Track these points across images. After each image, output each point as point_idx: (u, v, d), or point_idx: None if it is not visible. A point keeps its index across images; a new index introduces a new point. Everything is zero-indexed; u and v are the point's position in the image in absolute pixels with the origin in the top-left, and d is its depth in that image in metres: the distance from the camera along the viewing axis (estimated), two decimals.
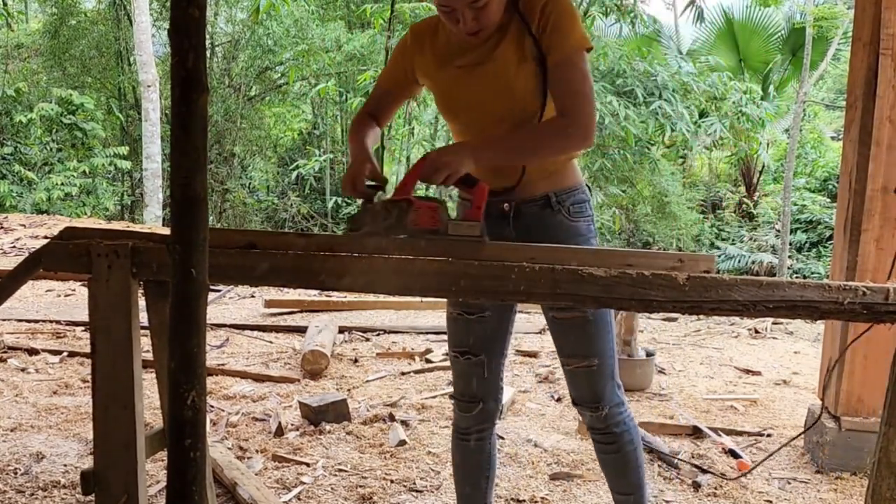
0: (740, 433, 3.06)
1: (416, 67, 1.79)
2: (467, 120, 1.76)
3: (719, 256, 12.41)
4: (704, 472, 2.64)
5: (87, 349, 1.87)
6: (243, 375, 3.72)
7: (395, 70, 1.82)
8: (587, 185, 1.82)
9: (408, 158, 10.90)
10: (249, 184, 14.93)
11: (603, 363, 1.75)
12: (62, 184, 11.63)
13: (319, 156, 12.53)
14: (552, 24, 1.62)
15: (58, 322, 4.66)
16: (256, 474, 2.54)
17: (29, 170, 11.90)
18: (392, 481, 2.53)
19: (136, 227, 8.73)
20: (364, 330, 4.72)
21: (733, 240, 13.67)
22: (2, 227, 8.72)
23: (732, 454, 2.79)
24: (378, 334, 4.66)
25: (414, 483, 2.52)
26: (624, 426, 1.81)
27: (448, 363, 3.95)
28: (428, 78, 1.78)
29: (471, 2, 1.57)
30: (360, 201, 1.60)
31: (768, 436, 3.05)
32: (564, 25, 1.62)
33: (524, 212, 1.75)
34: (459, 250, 1.45)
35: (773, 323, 5.20)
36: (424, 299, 5.10)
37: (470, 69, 1.69)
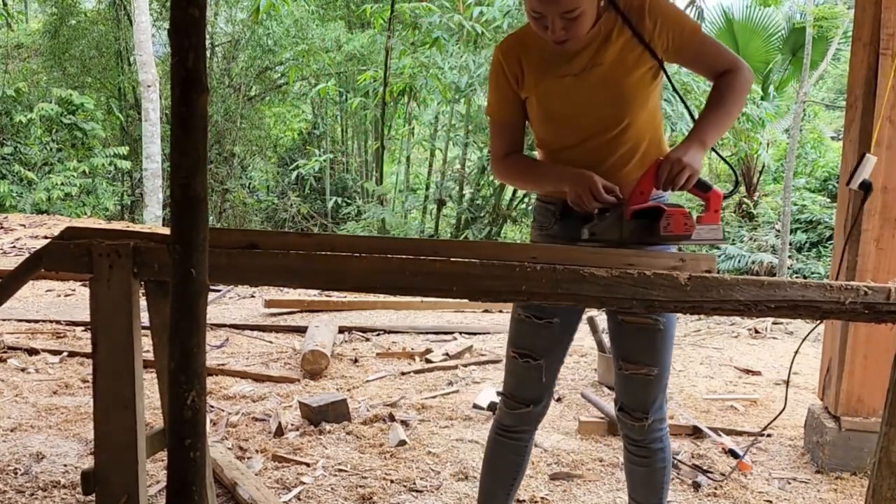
0: (740, 433, 3.06)
1: (520, 86, 1.76)
2: (573, 127, 1.74)
3: (719, 256, 12.41)
4: (704, 472, 2.64)
5: (88, 349, 1.87)
6: (243, 375, 3.72)
7: (505, 99, 1.79)
8: None
9: (407, 158, 10.91)
10: (249, 184, 14.94)
11: (661, 374, 1.75)
12: (62, 184, 11.63)
13: (319, 156, 12.53)
14: (665, 18, 1.66)
15: (58, 322, 4.66)
16: (256, 474, 2.54)
17: (29, 170, 11.90)
18: (392, 481, 2.53)
19: (137, 227, 8.73)
20: (364, 330, 4.72)
21: (733, 240, 13.66)
22: (2, 227, 8.72)
23: (732, 454, 2.79)
24: (378, 334, 4.66)
25: (414, 483, 2.52)
26: (661, 443, 1.81)
27: (448, 363, 3.98)
28: (530, 92, 1.75)
29: (564, 12, 1.56)
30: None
31: (768, 436, 3.05)
32: (677, 15, 1.69)
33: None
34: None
35: (773, 323, 5.20)
36: (424, 299, 5.10)
37: (579, 76, 1.68)
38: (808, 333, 2.19)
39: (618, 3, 1.66)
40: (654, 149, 1.73)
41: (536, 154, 1.88)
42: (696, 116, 1.70)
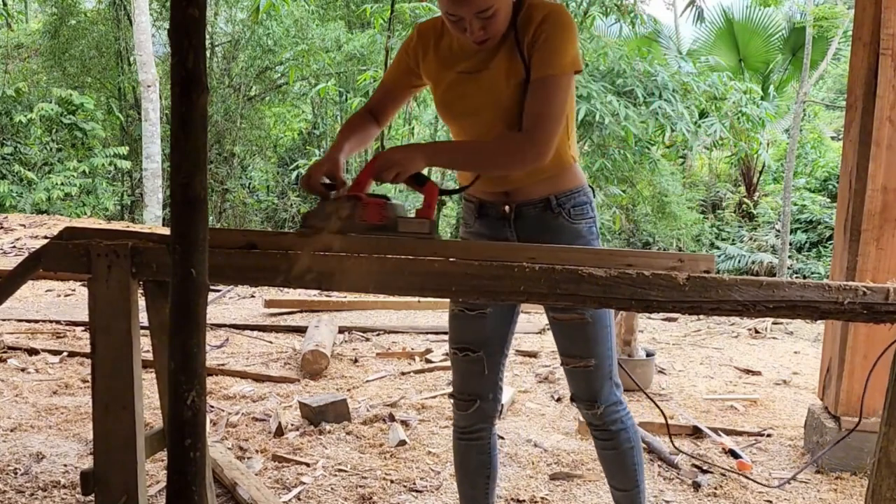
0: (740, 433, 3.06)
1: (420, 66, 1.79)
2: (465, 125, 1.77)
3: (719, 256, 12.41)
4: (704, 472, 2.64)
5: (87, 349, 1.87)
6: (243, 375, 3.72)
7: (399, 68, 1.82)
8: (590, 187, 1.83)
9: None
10: (249, 184, 14.94)
11: (600, 364, 1.77)
12: (62, 184, 11.63)
13: (319, 156, 12.51)
14: (544, 40, 1.62)
15: (58, 322, 4.66)
16: (256, 474, 2.54)
17: (29, 170, 11.90)
18: (392, 481, 2.53)
19: (136, 227, 8.73)
20: (364, 330, 4.72)
21: (733, 240, 13.67)
22: (2, 227, 8.72)
23: (732, 454, 2.79)
24: (378, 334, 4.66)
25: (414, 483, 2.52)
26: (621, 424, 1.83)
27: (447, 363, 3.97)
28: (430, 79, 1.79)
29: (479, 12, 1.57)
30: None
31: (768, 436, 3.05)
32: (555, 44, 1.61)
33: (524, 214, 1.76)
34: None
35: (773, 323, 5.20)
36: (424, 299, 5.10)
37: (468, 75, 1.71)
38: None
39: (521, 13, 1.66)
40: (552, 158, 1.69)
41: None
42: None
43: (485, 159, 1.67)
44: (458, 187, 1.84)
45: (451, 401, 1.95)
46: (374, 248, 1.45)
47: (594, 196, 1.85)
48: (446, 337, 4.57)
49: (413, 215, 1.58)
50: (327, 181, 1.63)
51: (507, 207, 1.76)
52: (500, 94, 1.67)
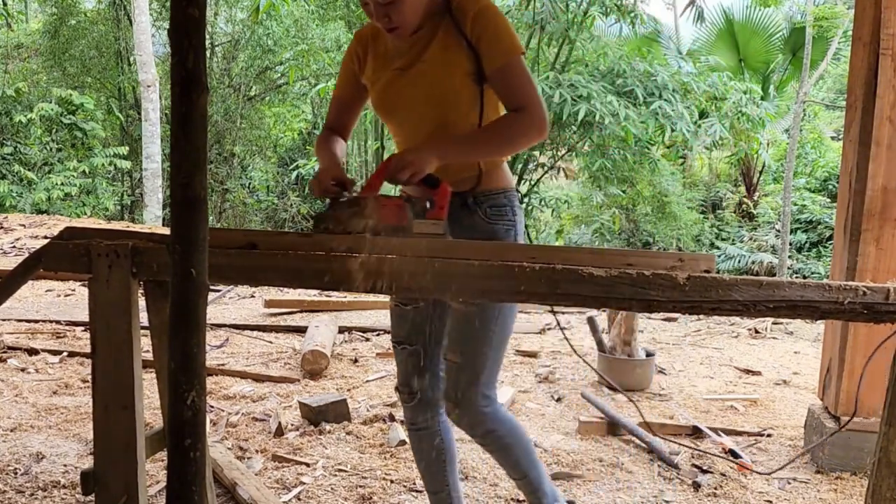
0: (740, 433, 3.06)
1: (362, 71, 1.82)
2: (400, 121, 1.79)
3: (719, 256, 12.41)
4: (704, 472, 2.64)
5: (87, 349, 1.87)
6: (243, 375, 3.72)
7: (346, 78, 1.85)
8: (516, 191, 1.84)
9: None
10: (249, 184, 14.94)
11: (466, 363, 1.78)
12: (62, 184, 11.63)
13: None
14: (486, 33, 1.66)
15: (58, 322, 4.66)
16: (256, 474, 2.54)
17: (29, 170, 11.90)
18: (392, 481, 2.53)
19: (136, 227, 8.73)
20: (364, 330, 4.72)
21: (733, 240, 13.66)
22: (2, 227, 8.72)
23: (732, 454, 2.79)
24: (378, 334, 4.66)
25: (414, 483, 2.52)
26: (492, 424, 1.83)
27: None
28: (369, 81, 1.81)
29: None
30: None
31: (768, 436, 3.05)
32: (498, 33, 1.66)
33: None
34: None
35: (773, 323, 5.21)
36: None
37: (402, 72, 1.73)
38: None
39: (452, 3, 1.69)
40: None
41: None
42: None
43: (496, 144, 1.69)
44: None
45: (396, 395, 1.98)
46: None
47: (522, 202, 1.86)
48: None
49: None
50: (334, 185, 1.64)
51: (427, 204, 1.78)
52: (438, 86, 1.69)
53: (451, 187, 1.70)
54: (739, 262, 12.59)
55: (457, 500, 2.02)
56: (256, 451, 2.76)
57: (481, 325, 1.75)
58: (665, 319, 5.51)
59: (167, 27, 0.83)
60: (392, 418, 3.09)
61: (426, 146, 1.66)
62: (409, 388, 1.91)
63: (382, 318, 5.06)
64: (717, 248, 13.27)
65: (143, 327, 1.54)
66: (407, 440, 2.61)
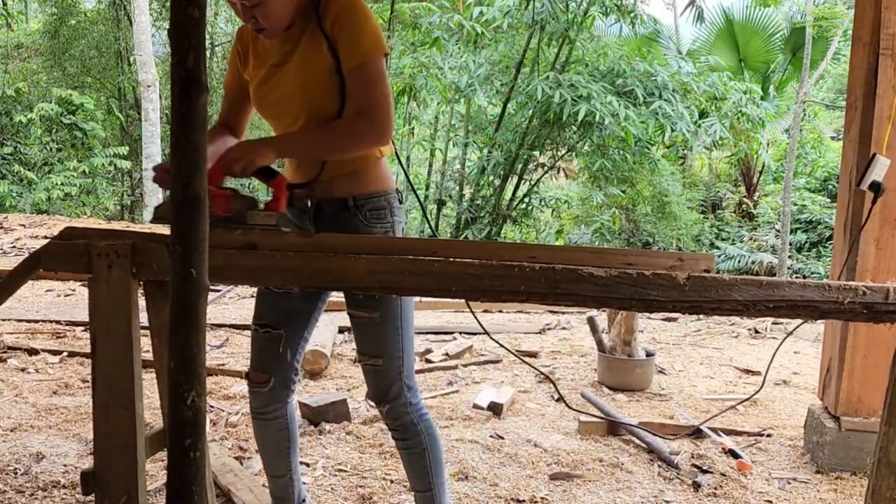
0: (740, 433, 3.06)
1: (244, 68, 1.85)
2: (274, 114, 1.82)
3: (719, 256, 12.41)
4: (704, 472, 2.64)
5: (87, 349, 1.87)
6: (243, 375, 3.72)
7: (232, 74, 1.88)
8: (397, 192, 1.85)
9: (408, 158, 10.90)
10: (249, 184, 14.93)
11: (388, 364, 1.81)
12: (62, 184, 11.63)
13: None
14: (345, 31, 1.67)
15: (58, 322, 4.66)
16: (255, 475, 2.54)
17: (29, 170, 11.90)
18: (392, 481, 2.53)
19: (136, 227, 8.73)
20: None
21: (733, 240, 13.66)
22: (2, 227, 8.72)
23: (732, 454, 2.79)
24: None
25: None
26: (412, 426, 1.86)
27: (447, 363, 3.97)
28: (249, 77, 1.84)
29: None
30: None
31: (768, 436, 3.05)
32: (356, 32, 1.67)
33: (324, 211, 1.80)
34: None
35: (773, 323, 5.21)
36: (424, 299, 5.10)
37: (276, 68, 1.76)
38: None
39: (320, 1, 1.70)
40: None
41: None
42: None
43: (332, 145, 1.70)
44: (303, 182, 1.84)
45: (246, 381, 1.98)
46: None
47: (402, 202, 1.87)
48: (447, 337, 4.59)
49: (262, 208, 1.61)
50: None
51: (308, 202, 1.79)
52: (305, 82, 1.71)
53: (331, 189, 1.74)
54: (739, 262, 12.58)
55: (297, 482, 2.05)
56: (256, 452, 2.76)
57: (389, 325, 1.79)
58: (665, 319, 5.51)
59: (167, 27, 0.83)
60: None
61: (263, 140, 1.69)
62: (263, 372, 1.91)
63: None
64: (717, 248, 13.26)
65: (143, 327, 1.54)
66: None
